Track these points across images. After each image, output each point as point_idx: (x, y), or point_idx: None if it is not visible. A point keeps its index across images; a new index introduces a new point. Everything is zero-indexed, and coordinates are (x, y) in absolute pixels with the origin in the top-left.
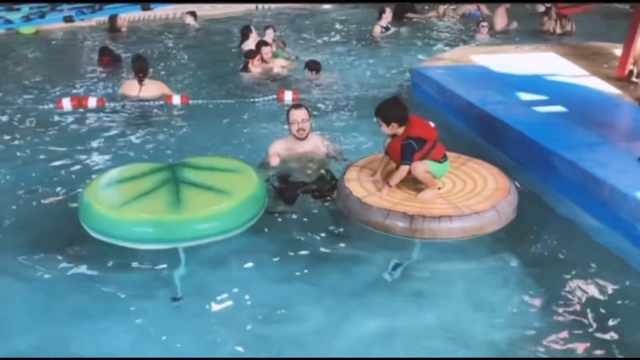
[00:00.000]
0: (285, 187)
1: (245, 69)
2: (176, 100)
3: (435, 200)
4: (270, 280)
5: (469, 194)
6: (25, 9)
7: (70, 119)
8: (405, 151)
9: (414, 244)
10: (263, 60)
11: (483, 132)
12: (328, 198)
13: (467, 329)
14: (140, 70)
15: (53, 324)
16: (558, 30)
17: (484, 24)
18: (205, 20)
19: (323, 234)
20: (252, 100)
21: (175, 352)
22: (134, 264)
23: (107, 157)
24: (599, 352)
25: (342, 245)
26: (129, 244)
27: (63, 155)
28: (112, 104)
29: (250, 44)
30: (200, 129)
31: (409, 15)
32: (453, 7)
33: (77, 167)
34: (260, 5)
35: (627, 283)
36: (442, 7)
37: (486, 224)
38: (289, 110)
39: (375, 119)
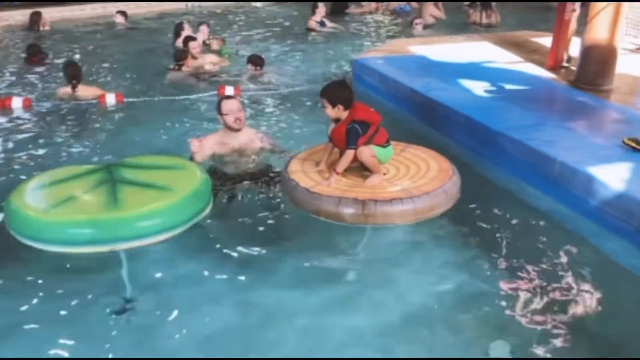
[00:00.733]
0: (222, 183)
1: (177, 67)
2: (110, 99)
3: (384, 185)
4: (220, 279)
5: (414, 177)
6: None
7: None
8: (350, 135)
9: (364, 230)
10: (192, 56)
11: (428, 118)
12: (268, 190)
13: (428, 312)
14: (74, 77)
15: None
16: (484, 21)
17: (418, 20)
18: (135, 18)
19: (269, 227)
20: (190, 97)
21: None
22: (72, 269)
23: (37, 161)
24: (549, 320)
25: (290, 237)
26: (64, 248)
27: None
28: (43, 104)
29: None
30: (138, 128)
31: (349, 11)
32: (370, 9)
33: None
34: (190, 3)
35: (581, 253)
36: (374, 4)
37: (436, 205)
38: (220, 103)
39: (320, 101)
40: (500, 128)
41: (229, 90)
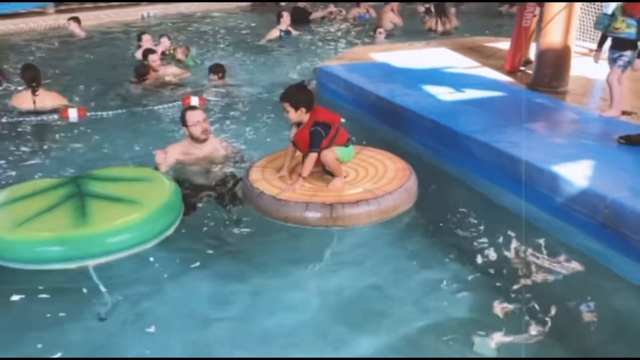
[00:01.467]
0: (188, 193)
1: (139, 81)
2: (73, 113)
3: (346, 188)
4: (193, 290)
5: (374, 178)
6: None
7: None
8: (313, 138)
9: (330, 233)
10: (152, 69)
11: (394, 123)
12: (233, 199)
13: (400, 311)
14: (33, 80)
15: None
16: (439, 28)
17: (381, 30)
18: (90, 29)
19: (237, 237)
20: (154, 108)
21: None
22: (42, 288)
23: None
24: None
25: (260, 245)
26: (32, 266)
27: None
28: (3, 119)
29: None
30: (102, 141)
31: (313, 16)
32: (332, 9)
33: None
34: (146, 13)
35: (550, 247)
36: (330, 9)
37: (399, 203)
38: (184, 114)
39: (282, 105)
40: (466, 131)
41: (194, 101)
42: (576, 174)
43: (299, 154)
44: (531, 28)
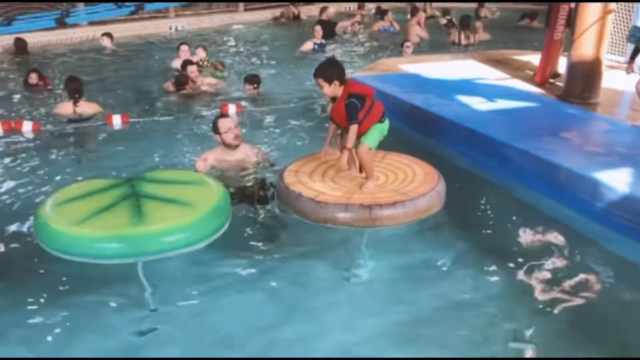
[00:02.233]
0: None
1: (177, 90)
2: (116, 120)
3: (379, 191)
4: (239, 291)
5: (404, 182)
6: None
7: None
8: (350, 110)
9: (364, 232)
10: (190, 80)
11: (429, 131)
12: (263, 202)
13: (439, 310)
14: (76, 91)
15: (11, 347)
16: (463, 42)
17: (409, 44)
18: (122, 40)
19: (276, 238)
20: (191, 115)
21: None
22: (98, 279)
23: (55, 179)
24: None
25: (302, 246)
26: (90, 260)
27: (5, 177)
28: (49, 127)
29: (179, 63)
30: (143, 146)
31: (339, 27)
32: (358, 19)
33: (22, 190)
34: (173, 26)
35: (587, 253)
36: (355, 19)
37: (432, 205)
38: (216, 122)
39: (316, 82)
40: (504, 139)
41: (232, 108)
42: (617, 180)
43: (329, 158)
44: (561, 41)
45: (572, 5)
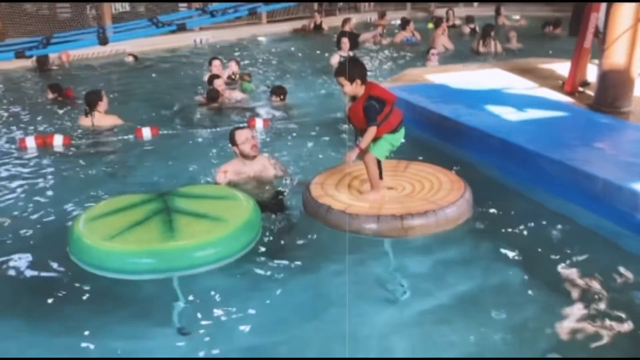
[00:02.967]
0: None
1: (207, 103)
2: (146, 132)
3: (408, 200)
4: (273, 305)
5: (431, 191)
6: None
7: (33, 156)
8: (369, 112)
9: (398, 242)
10: (221, 96)
11: (459, 141)
12: (291, 216)
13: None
14: (89, 104)
15: None
16: (481, 50)
17: (434, 51)
18: (146, 55)
19: (308, 250)
20: (220, 129)
21: None
22: (129, 297)
23: (87, 192)
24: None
25: (331, 257)
26: (122, 276)
27: (39, 192)
28: (80, 141)
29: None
30: (172, 158)
31: (362, 39)
32: (379, 32)
33: (57, 204)
34: (198, 39)
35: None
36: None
37: (462, 213)
38: (232, 134)
39: (338, 81)
40: (537, 149)
41: (259, 123)
42: None
43: (353, 169)
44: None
45: (600, 14)
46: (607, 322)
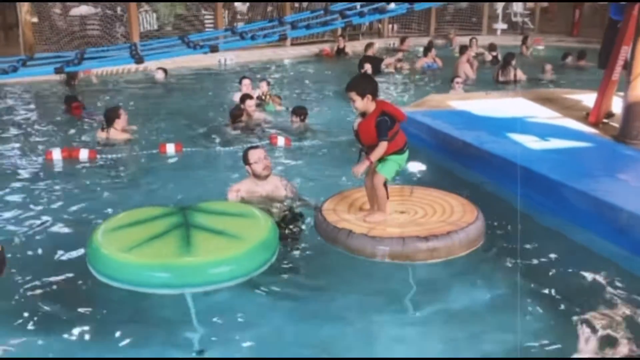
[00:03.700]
0: None
1: (232, 122)
2: (170, 148)
3: (425, 223)
4: (282, 327)
5: (444, 214)
6: None
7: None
8: (380, 127)
9: (410, 266)
10: (247, 114)
11: (481, 169)
12: (303, 237)
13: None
14: (106, 120)
15: None
16: (500, 79)
17: (458, 80)
18: (171, 73)
19: (324, 272)
20: (242, 147)
21: None
22: (142, 310)
23: (110, 204)
24: None
25: (346, 280)
26: (136, 288)
27: (65, 204)
28: (104, 155)
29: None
30: (196, 175)
31: (385, 63)
32: (399, 57)
33: (80, 215)
34: (223, 60)
35: None
36: (398, 56)
37: (479, 235)
38: (246, 153)
39: (348, 96)
40: (560, 178)
41: (281, 141)
42: None
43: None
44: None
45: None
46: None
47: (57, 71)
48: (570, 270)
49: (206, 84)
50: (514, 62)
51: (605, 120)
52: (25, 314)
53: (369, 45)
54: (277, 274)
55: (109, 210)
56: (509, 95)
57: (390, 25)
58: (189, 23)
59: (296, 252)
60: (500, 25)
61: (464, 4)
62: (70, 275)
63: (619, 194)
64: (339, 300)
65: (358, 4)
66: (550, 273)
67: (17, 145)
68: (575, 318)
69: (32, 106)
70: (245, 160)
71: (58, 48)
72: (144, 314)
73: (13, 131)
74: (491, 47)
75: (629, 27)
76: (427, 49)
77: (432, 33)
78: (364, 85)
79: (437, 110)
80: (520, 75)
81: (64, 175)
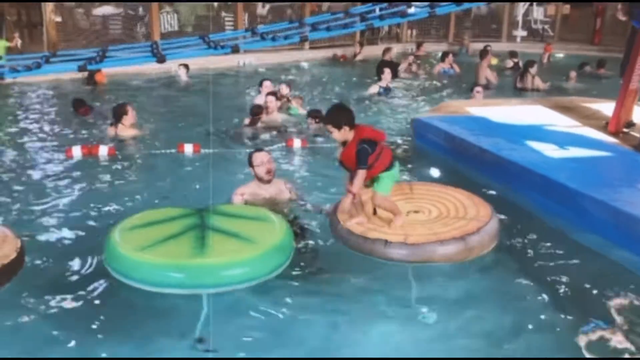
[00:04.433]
0: None
1: (253, 123)
2: (188, 148)
3: (452, 222)
4: (297, 331)
5: (460, 210)
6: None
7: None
8: (360, 156)
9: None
10: (267, 112)
11: (497, 175)
12: (315, 238)
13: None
14: (114, 116)
15: None
16: (518, 85)
17: (479, 89)
18: (194, 73)
19: (342, 276)
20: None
21: None
22: (157, 309)
23: (128, 204)
24: None
25: (364, 284)
26: (150, 287)
27: (84, 201)
28: (123, 152)
29: (262, 98)
30: (214, 176)
31: (401, 67)
32: (410, 60)
33: (99, 212)
34: (242, 61)
35: None
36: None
37: (498, 230)
38: (251, 156)
39: (325, 128)
40: (580, 188)
41: (297, 143)
42: None
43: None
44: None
45: None
46: None
47: (81, 69)
48: (584, 278)
49: (225, 85)
50: (532, 70)
51: (625, 130)
52: (41, 309)
53: (386, 50)
54: (291, 278)
55: (127, 207)
56: (527, 103)
57: (409, 31)
58: (211, 22)
59: (310, 255)
60: (520, 32)
61: (484, 10)
62: (88, 271)
63: (638, 204)
64: (353, 304)
65: (377, 7)
66: (564, 279)
67: (38, 142)
68: (583, 327)
69: (50, 104)
70: (250, 163)
71: (80, 47)
72: (155, 313)
73: (33, 128)
74: (512, 54)
75: None
76: (445, 55)
77: (450, 39)
78: (339, 116)
79: (454, 116)
80: (539, 82)
81: (83, 172)
